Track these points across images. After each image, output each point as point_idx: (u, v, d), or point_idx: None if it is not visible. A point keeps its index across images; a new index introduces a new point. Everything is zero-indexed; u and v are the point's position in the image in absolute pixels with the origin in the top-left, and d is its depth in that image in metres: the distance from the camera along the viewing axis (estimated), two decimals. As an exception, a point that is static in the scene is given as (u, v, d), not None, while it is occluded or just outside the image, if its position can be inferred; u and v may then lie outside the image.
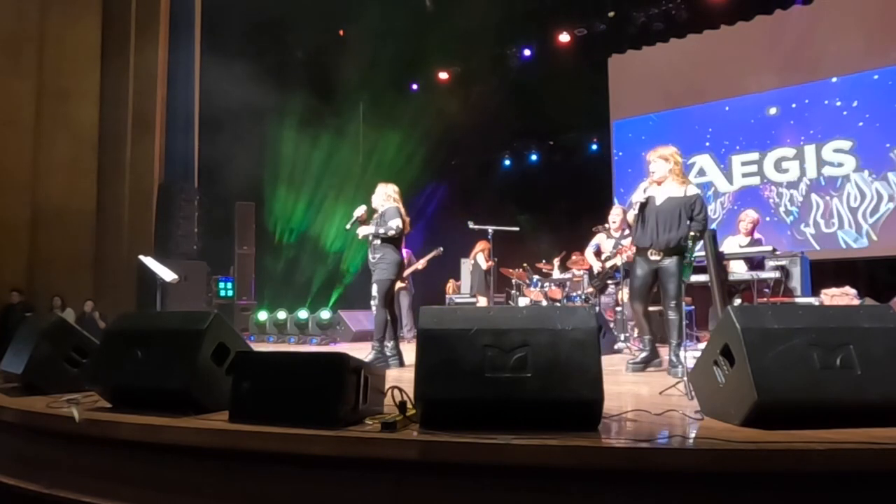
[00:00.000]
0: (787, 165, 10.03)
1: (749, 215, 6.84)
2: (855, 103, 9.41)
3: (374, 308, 5.18)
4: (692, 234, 4.37)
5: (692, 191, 4.53)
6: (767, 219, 9.84)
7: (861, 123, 9.37)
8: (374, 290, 5.12)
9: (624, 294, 6.81)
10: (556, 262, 8.46)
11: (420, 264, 8.75)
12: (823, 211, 9.63)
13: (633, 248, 4.81)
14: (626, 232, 6.81)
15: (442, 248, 8.63)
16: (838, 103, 9.57)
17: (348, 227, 5.31)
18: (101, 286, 10.40)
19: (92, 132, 10.70)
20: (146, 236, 10.63)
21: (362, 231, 5.21)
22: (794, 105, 9.98)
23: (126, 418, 2.78)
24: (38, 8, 10.45)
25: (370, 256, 5.19)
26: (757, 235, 6.80)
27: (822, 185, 9.65)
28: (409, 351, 5.97)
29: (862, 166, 9.32)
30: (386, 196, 5.30)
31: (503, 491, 2.16)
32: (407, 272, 8.68)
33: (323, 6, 11.78)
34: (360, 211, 5.31)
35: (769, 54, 10.11)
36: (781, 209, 9.98)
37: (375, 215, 5.32)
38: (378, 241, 5.13)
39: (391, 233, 5.09)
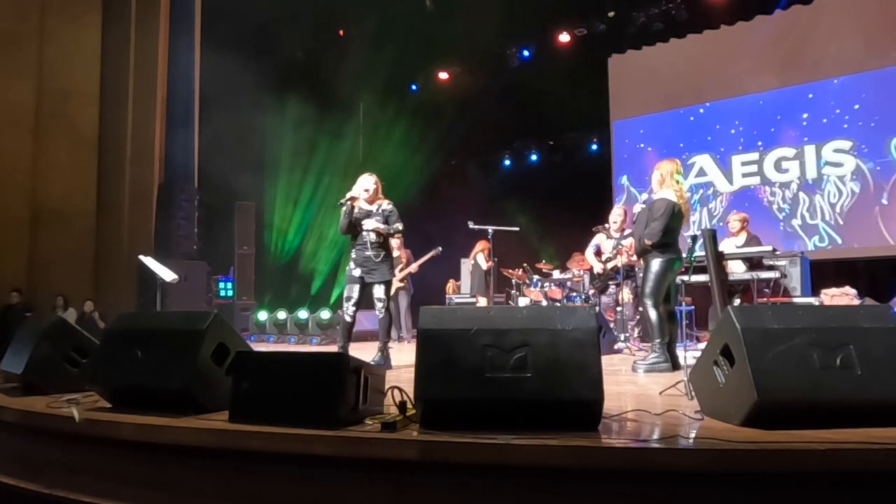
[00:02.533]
0: (787, 165, 10.02)
1: (736, 215, 6.85)
2: (856, 106, 9.39)
3: (379, 311, 5.00)
4: (647, 242, 4.41)
5: (655, 198, 4.54)
6: (780, 227, 9.83)
7: (861, 123, 9.36)
8: (381, 291, 4.96)
9: (624, 294, 6.82)
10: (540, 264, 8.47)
11: (418, 263, 8.75)
12: (816, 208, 9.62)
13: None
14: (627, 232, 6.82)
15: (440, 248, 8.61)
16: (838, 103, 9.55)
17: (341, 203, 5.00)
18: (102, 286, 10.40)
19: (92, 132, 10.70)
20: (146, 236, 10.63)
21: (371, 225, 4.96)
22: (794, 105, 9.97)
23: (126, 418, 2.78)
24: (38, 7, 10.46)
25: (371, 254, 4.95)
26: (752, 234, 6.80)
27: (822, 184, 9.65)
28: (408, 351, 5.94)
29: (861, 166, 9.31)
30: (375, 184, 5.05)
31: (503, 491, 2.16)
32: (405, 271, 8.68)
33: (323, 6, 11.78)
34: (357, 194, 5.02)
35: (769, 54, 10.10)
36: (794, 219, 9.94)
37: (358, 206, 5.03)
38: (381, 239, 4.99)
39: (397, 234, 5.14)
